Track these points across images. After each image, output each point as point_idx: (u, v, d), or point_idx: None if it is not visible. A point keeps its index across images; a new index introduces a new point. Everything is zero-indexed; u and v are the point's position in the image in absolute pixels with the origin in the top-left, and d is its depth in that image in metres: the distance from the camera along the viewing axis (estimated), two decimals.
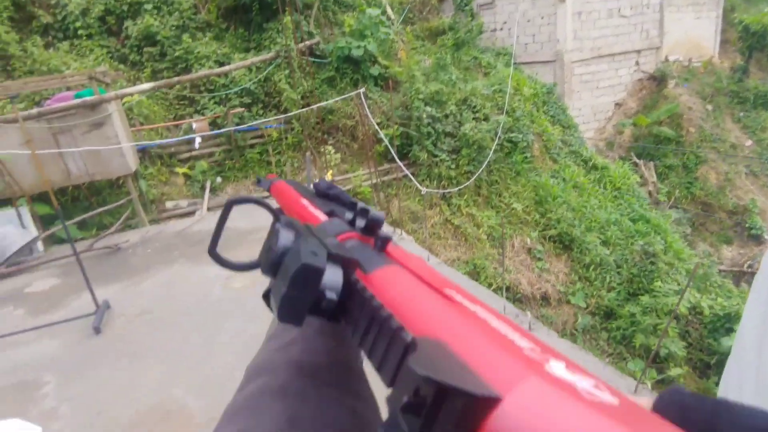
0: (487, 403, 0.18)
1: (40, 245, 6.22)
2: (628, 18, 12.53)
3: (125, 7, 9.39)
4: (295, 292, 0.32)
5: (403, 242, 5.49)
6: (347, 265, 0.34)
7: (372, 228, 0.39)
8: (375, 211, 0.40)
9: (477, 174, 7.99)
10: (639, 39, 12.91)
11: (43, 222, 6.53)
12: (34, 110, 6.13)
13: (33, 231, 6.10)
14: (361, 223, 0.41)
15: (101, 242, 6.04)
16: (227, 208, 0.47)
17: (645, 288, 7.19)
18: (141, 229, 6.85)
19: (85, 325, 3.98)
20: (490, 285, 6.86)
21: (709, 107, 12.78)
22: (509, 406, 0.18)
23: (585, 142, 10.74)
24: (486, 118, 8.83)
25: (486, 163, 8.14)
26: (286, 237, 0.37)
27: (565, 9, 11.51)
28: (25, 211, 6.14)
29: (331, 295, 0.33)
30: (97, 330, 3.87)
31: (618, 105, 13.10)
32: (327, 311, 0.33)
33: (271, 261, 0.36)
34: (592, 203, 8.49)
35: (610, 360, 6.45)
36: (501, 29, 13.07)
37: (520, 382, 0.18)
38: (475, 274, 7.08)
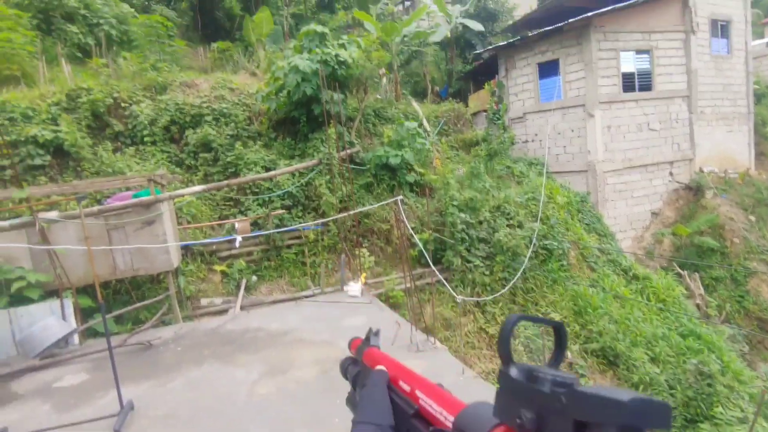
0: None
1: (76, 338, 6.32)
2: (657, 131, 12.91)
3: (188, 119, 10.46)
4: (657, 416, 0.36)
5: (437, 351, 5.27)
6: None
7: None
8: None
9: (512, 281, 7.84)
10: (671, 151, 13.16)
11: (83, 314, 6.70)
12: (95, 208, 6.62)
13: (72, 323, 6.25)
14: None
15: (135, 338, 6.10)
16: (513, 324, 0.49)
17: (704, 414, 6.49)
18: (174, 325, 6.91)
19: (107, 426, 3.88)
20: None
21: (752, 218, 12.47)
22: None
23: (623, 252, 10.51)
24: (520, 225, 8.89)
25: (521, 270, 8.02)
26: None
27: (594, 123, 12.03)
28: (69, 303, 6.35)
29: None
30: None
31: (655, 214, 12.98)
32: None
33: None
34: (636, 315, 8.06)
35: None
36: (533, 140, 13.66)
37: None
38: None
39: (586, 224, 10.48)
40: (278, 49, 15.25)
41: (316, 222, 8.87)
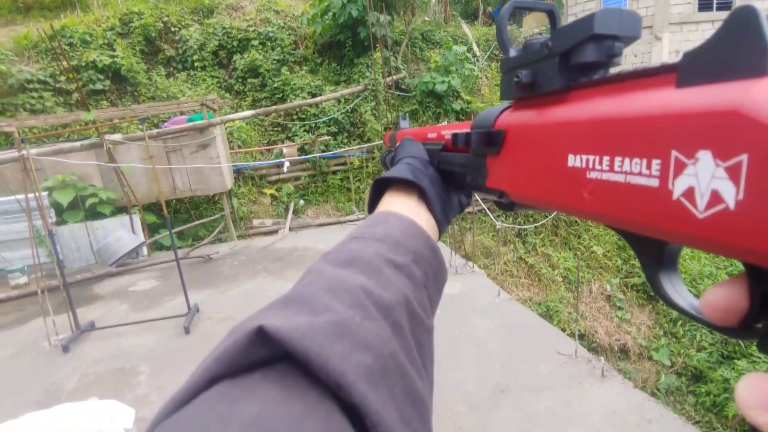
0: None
1: (145, 250, 6.99)
2: None
3: (235, 43, 10.49)
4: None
5: (474, 275, 5.48)
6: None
7: None
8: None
9: (555, 212, 7.78)
10: None
11: (150, 230, 7.34)
12: (154, 131, 7.01)
13: (141, 237, 6.88)
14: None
15: (196, 252, 6.67)
16: (509, 9, 0.49)
17: (742, 351, 6.49)
18: (230, 242, 7.46)
19: (177, 324, 4.42)
20: (563, 330, 6.57)
21: None
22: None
23: None
24: None
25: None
26: None
27: (661, 47, 11.06)
28: (137, 219, 6.96)
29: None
30: (187, 330, 4.27)
31: None
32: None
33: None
34: (683, 253, 7.89)
35: (698, 428, 5.86)
36: None
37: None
38: (547, 316, 6.82)
39: None
40: None
41: (360, 148, 8.98)
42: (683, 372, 6.64)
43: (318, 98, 9.28)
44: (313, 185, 9.03)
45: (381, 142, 8.73)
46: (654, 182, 0.24)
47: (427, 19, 12.83)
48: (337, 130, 9.48)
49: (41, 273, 4.56)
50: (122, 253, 6.30)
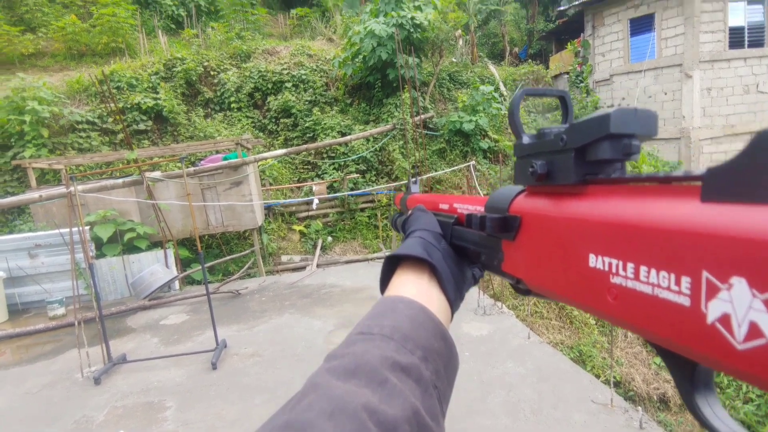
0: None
1: (176, 284, 7.16)
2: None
3: (270, 85, 10.99)
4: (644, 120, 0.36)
5: (503, 316, 5.37)
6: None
7: None
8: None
9: None
10: None
11: (182, 264, 7.54)
12: (191, 169, 7.31)
13: (174, 271, 7.07)
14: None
15: (225, 287, 6.78)
16: (520, 96, 0.50)
17: None
18: (259, 278, 7.56)
19: (205, 359, 4.46)
20: (597, 376, 6.29)
21: None
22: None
23: None
24: None
25: None
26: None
27: (691, 84, 10.97)
28: (171, 254, 7.18)
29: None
30: (214, 365, 4.30)
31: None
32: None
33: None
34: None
35: None
36: (619, 105, 12.69)
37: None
38: (580, 361, 6.56)
39: None
40: (354, 14, 15.30)
41: (388, 186, 9.10)
42: None
43: (347, 137, 9.53)
44: (341, 222, 9.15)
45: (407, 181, 8.83)
46: (685, 300, 0.23)
47: (454, 60, 13.17)
48: (365, 168, 9.66)
49: (79, 305, 4.72)
50: (155, 287, 6.47)
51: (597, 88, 13.25)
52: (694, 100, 10.99)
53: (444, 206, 0.62)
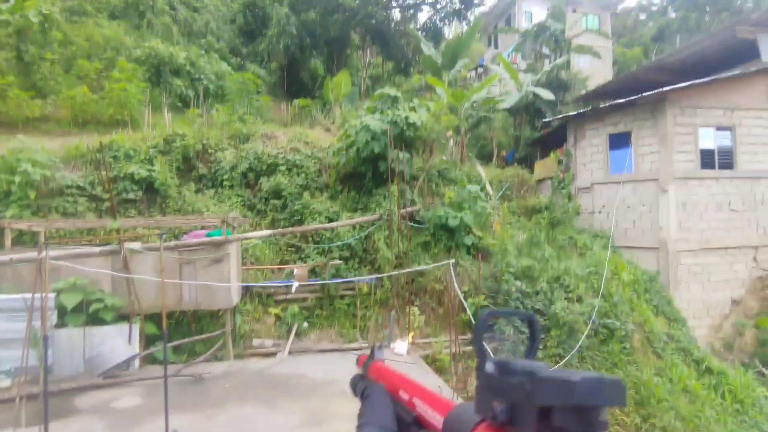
0: None
1: (137, 362, 6.76)
2: (739, 212, 12.05)
3: (264, 167, 11.31)
4: (609, 392, 0.37)
5: None
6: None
7: None
8: None
9: (567, 358, 7.44)
10: (755, 234, 12.16)
11: (147, 340, 7.18)
12: (173, 243, 7.25)
13: (136, 348, 6.71)
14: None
15: (188, 370, 6.41)
16: (525, 316, 0.51)
17: None
18: (226, 362, 7.19)
19: None
20: None
21: None
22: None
23: (696, 341, 9.65)
24: (579, 300, 8.51)
25: (578, 347, 7.61)
26: None
27: (667, 199, 11.50)
28: (136, 329, 6.86)
29: None
30: None
31: (736, 303, 11.87)
32: None
33: None
34: (707, 414, 7.27)
35: None
36: (599, 212, 13.22)
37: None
38: None
39: (654, 306, 9.79)
40: (353, 108, 16.27)
41: (371, 276, 9.04)
42: None
43: (334, 223, 9.66)
44: (320, 308, 8.94)
45: (392, 273, 8.81)
46: None
47: (444, 158, 13.80)
48: (349, 255, 9.67)
49: (26, 378, 4.39)
50: (113, 363, 6.10)
51: (579, 194, 13.82)
52: (670, 213, 11.46)
53: (404, 396, 0.61)
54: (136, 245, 7.23)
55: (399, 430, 0.57)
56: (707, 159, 11.95)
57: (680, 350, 8.81)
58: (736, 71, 12.52)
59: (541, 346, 7.84)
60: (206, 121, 13.36)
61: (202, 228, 8.78)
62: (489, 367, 0.44)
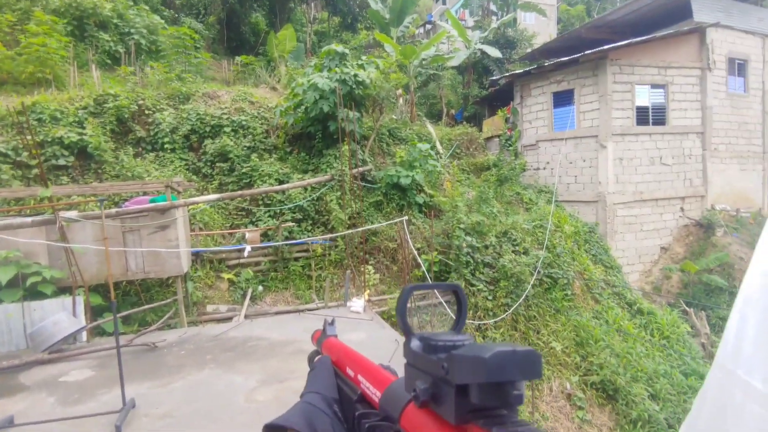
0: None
1: (84, 335, 6.50)
2: (669, 166, 12.93)
3: (207, 129, 10.79)
4: (522, 365, 0.36)
5: None
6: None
7: None
8: None
9: (514, 307, 7.88)
10: (683, 186, 13.15)
11: (93, 312, 6.90)
12: (113, 210, 6.87)
13: (82, 321, 6.43)
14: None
15: (140, 339, 6.25)
16: (449, 286, 0.50)
17: None
18: (179, 329, 7.06)
19: (108, 422, 4.00)
20: None
21: None
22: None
23: (629, 285, 10.48)
24: (526, 252, 8.95)
25: (524, 296, 8.06)
26: None
27: (606, 154, 12.11)
28: (80, 301, 6.55)
29: None
30: (119, 429, 3.87)
31: (664, 249, 12.92)
32: None
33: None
34: (638, 351, 8.02)
35: None
36: (544, 168, 13.76)
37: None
38: None
39: (593, 255, 10.48)
40: (299, 66, 15.68)
41: (324, 236, 9.04)
42: None
43: (285, 185, 9.47)
44: (274, 271, 8.88)
45: (346, 232, 8.84)
46: None
47: (394, 117, 13.72)
48: (301, 218, 9.57)
49: None
50: (58, 338, 5.83)
51: (525, 151, 14.26)
52: (608, 168, 12.11)
53: (351, 372, 0.60)
54: (73, 214, 6.80)
55: (345, 408, 0.56)
56: (642, 116, 12.61)
57: (615, 294, 9.55)
58: (671, 30, 13.08)
59: (490, 297, 8.26)
60: (140, 80, 12.48)
61: (145, 194, 8.36)
62: (414, 343, 0.44)
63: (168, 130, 10.57)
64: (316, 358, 0.65)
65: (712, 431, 1.71)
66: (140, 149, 10.50)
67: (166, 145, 10.47)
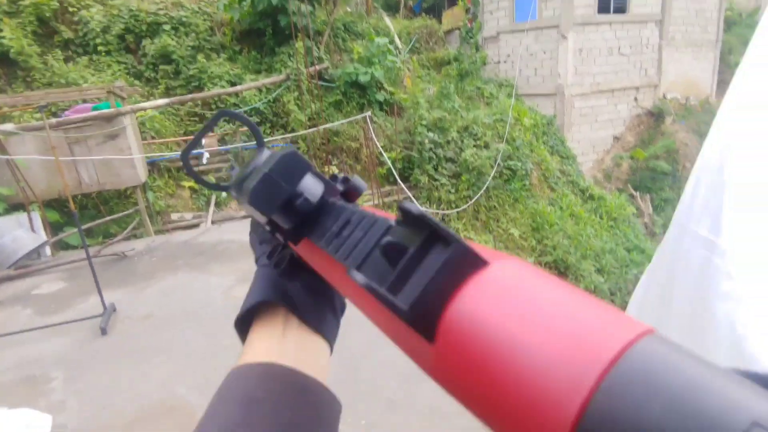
0: (474, 262, 0.19)
1: (47, 250, 6.38)
2: (627, 56, 12.98)
3: (144, 27, 9.79)
4: (277, 177, 0.32)
5: None
6: (328, 186, 0.36)
7: (350, 194, 0.38)
8: (356, 179, 0.39)
9: (475, 198, 8.21)
10: (638, 76, 13.35)
11: (52, 228, 6.70)
12: (53, 120, 6.39)
13: (42, 236, 6.27)
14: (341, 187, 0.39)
15: (108, 249, 6.21)
16: (216, 117, 0.47)
17: None
18: (146, 238, 7.02)
19: (92, 326, 4.11)
20: None
21: None
22: (495, 270, 0.19)
23: (583, 173, 11.01)
24: (486, 146, 9.11)
25: (485, 188, 8.37)
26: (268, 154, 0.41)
27: (566, 45, 11.96)
28: (36, 217, 6.33)
29: (311, 197, 0.34)
30: (104, 330, 3.99)
31: (617, 139, 13.44)
32: (298, 213, 0.33)
33: (251, 168, 0.39)
34: (588, 232, 8.68)
35: None
36: (504, 62, 13.53)
37: (504, 259, 0.20)
38: None
39: (551, 146, 10.82)
40: None
41: (284, 137, 8.83)
42: None
43: (238, 87, 8.97)
44: None
45: (306, 131, 8.64)
46: None
47: (348, 10, 12.81)
48: (259, 121, 9.22)
49: None
50: (21, 254, 5.71)
51: (485, 44, 13.86)
52: (568, 60, 12.04)
53: None
54: (9, 126, 6.29)
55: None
56: (604, 3, 12.30)
57: (570, 183, 10.06)
58: None
59: (453, 190, 8.53)
60: None
61: (84, 102, 7.75)
62: (233, 173, 0.45)
63: (99, 29, 9.51)
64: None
65: (667, 274, 1.99)
66: (70, 53, 9.50)
67: (99, 48, 9.50)
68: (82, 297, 4.92)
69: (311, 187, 0.34)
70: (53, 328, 4.11)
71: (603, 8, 12.30)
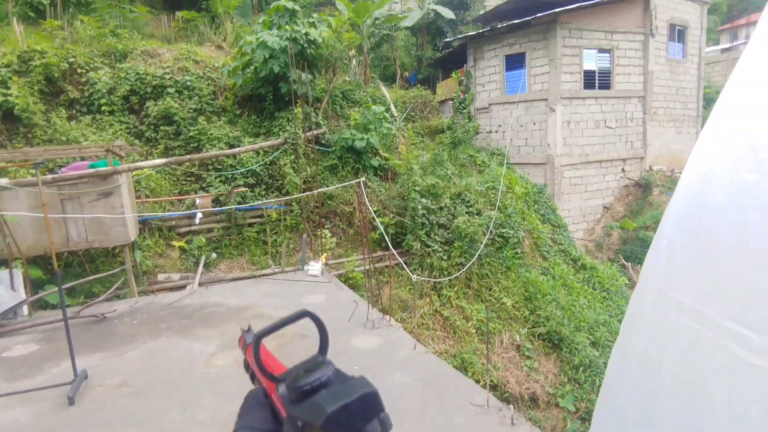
0: None
1: (25, 309, 6.17)
2: (613, 129, 13.52)
3: (149, 89, 10.14)
4: (355, 411, 0.38)
5: (391, 329, 5.49)
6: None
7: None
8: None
9: (468, 266, 8.15)
10: (624, 149, 13.83)
11: (33, 286, 6.52)
12: (49, 177, 6.41)
13: (22, 294, 6.08)
14: None
15: (88, 310, 6.01)
16: (298, 316, 0.51)
17: None
18: (130, 299, 6.83)
19: (60, 394, 3.88)
20: (477, 381, 6.70)
21: None
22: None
23: (574, 242, 11.06)
24: (479, 213, 9.20)
25: (477, 255, 8.34)
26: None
27: (555, 118, 12.48)
28: (18, 273, 6.17)
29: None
30: (71, 400, 3.76)
31: (606, 208, 13.67)
32: None
33: (314, 379, 0.45)
34: (581, 303, 8.57)
35: None
36: (496, 131, 14.03)
37: None
38: (462, 368, 6.95)
39: (542, 215, 10.94)
40: (246, 23, 14.88)
41: (278, 200, 8.88)
42: (586, 417, 7.00)
43: (236, 149, 9.15)
44: (227, 238, 8.68)
45: (301, 195, 8.72)
46: None
47: (347, 78, 13.41)
48: (255, 182, 9.32)
49: None
50: None
51: (478, 114, 14.44)
52: (557, 131, 12.51)
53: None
54: (2, 181, 6.30)
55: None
56: (589, 80, 13.00)
57: (562, 252, 10.07)
58: None
59: (445, 257, 8.49)
60: (70, 36, 11.44)
61: (83, 159, 7.84)
62: (281, 389, 0.46)
63: (105, 90, 9.84)
64: (249, 392, 0.59)
65: (647, 348, 1.87)
66: (74, 111, 9.75)
67: (103, 107, 9.77)
68: (54, 361, 4.69)
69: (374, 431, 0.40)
70: (19, 396, 3.87)
71: (588, 84, 12.97)
